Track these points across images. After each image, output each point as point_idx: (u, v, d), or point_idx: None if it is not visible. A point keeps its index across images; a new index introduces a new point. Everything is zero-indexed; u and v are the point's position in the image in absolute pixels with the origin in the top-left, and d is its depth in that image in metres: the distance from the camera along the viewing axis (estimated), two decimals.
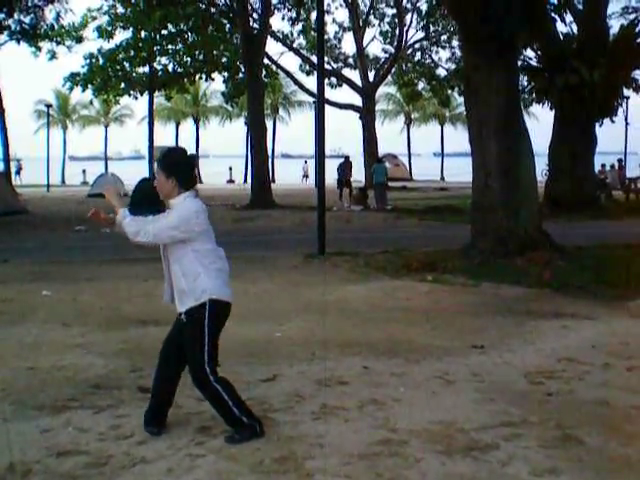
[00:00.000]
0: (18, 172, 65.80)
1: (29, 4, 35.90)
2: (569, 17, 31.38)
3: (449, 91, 56.52)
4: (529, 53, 32.12)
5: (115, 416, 6.51)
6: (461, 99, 62.27)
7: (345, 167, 36.75)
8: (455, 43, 50.87)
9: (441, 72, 54.87)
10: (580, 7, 31.23)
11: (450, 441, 5.94)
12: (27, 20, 36.97)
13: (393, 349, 8.78)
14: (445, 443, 5.89)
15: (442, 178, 76.03)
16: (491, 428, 6.22)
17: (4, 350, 8.93)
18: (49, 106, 64.37)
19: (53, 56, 44.12)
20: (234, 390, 6.01)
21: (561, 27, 46.42)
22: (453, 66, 52.52)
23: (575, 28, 31.27)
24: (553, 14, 28.67)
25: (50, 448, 5.83)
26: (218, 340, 6.02)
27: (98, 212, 6.19)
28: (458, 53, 50.21)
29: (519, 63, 23.54)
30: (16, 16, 34.93)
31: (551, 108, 31.02)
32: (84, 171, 74.13)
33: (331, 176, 29.26)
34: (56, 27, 40.52)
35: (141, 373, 7.49)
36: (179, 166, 5.97)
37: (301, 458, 5.59)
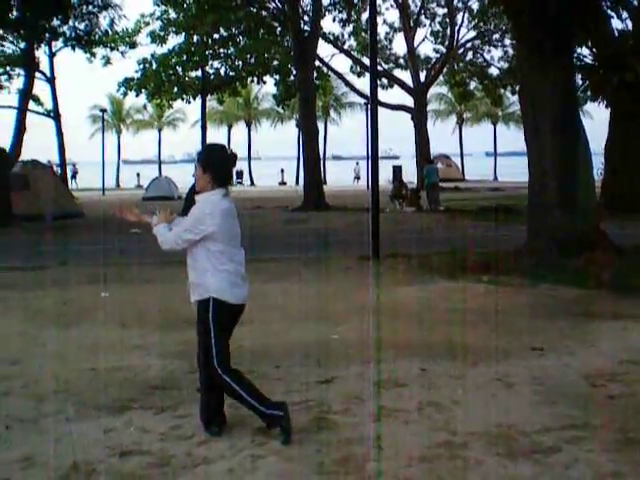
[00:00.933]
0: (74, 176, 66.76)
1: (83, 11, 36.30)
2: (624, 14, 31.02)
3: (501, 90, 56.12)
4: (584, 51, 31.78)
5: (175, 416, 6.58)
6: (513, 98, 61.99)
7: (397, 179, 36.66)
8: (507, 42, 50.54)
9: (493, 71, 54.54)
10: (635, 3, 30.78)
11: (511, 444, 5.89)
12: (82, 27, 37.42)
13: (450, 351, 8.73)
14: (506, 446, 5.84)
15: (495, 178, 75.57)
16: (553, 431, 6.17)
17: (65, 351, 9.06)
18: (104, 111, 65.09)
19: (107, 62, 44.69)
20: (246, 381, 6.09)
21: (616, 24, 45.97)
22: (505, 65, 52.12)
23: (630, 25, 30.84)
24: (608, 11, 28.33)
25: (113, 448, 5.90)
26: (228, 337, 6.12)
27: (122, 208, 6.58)
28: (510, 52, 49.86)
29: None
30: (71, 23, 35.33)
31: (606, 106, 30.66)
32: (138, 175, 74.85)
33: (383, 177, 29.13)
34: (110, 33, 41.00)
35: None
36: (215, 162, 6.11)
37: (361, 460, 5.58)
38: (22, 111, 31.25)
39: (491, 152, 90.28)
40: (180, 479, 5.36)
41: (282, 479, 5.30)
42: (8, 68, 41.54)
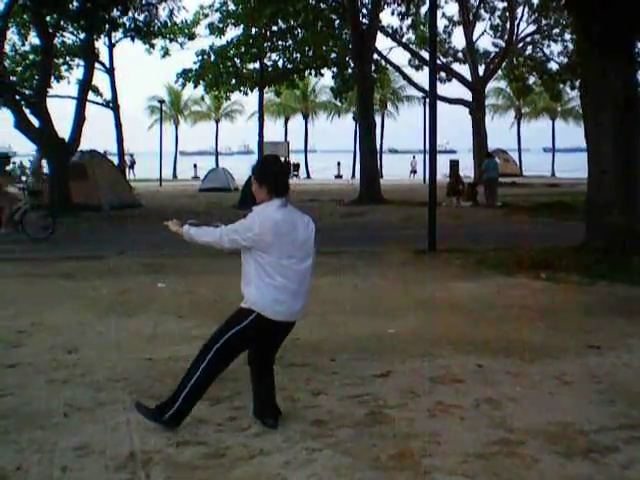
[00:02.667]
0: (131, 166, 67.44)
1: (143, 2, 36.63)
2: None
3: (561, 85, 55.54)
4: None
5: (232, 408, 6.61)
6: (573, 93, 61.38)
7: (453, 174, 36.39)
8: (567, 36, 50.02)
9: (553, 66, 54.02)
10: None
11: (569, 442, 5.83)
12: (141, 18, 37.77)
13: (507, 348, 8.65)
14: (564, 444, 5.78)
15: (553, 174, 74.76)
16: (610, 430, 6.09)
17: (123, 341, 9.15)
18: (162, 102, 65.57)
19: (166, 53, 45.09)
20: (211, 376, 6.10)
21: None
22: (565, 60, 51.62)
23: None
24: None
25: (169, 438, 5.93)
26: (245, 348, 6.25)
27: (169, 224, 6.44)
28: (570, 46, 49.36)
29: None
30: (130, 14, 35.67)
31: None
32: (195, 166, 75.35)
33: (441, 171, 28.98)
34: (169, 24, 41.31)
35: None
36: (270, 175, 6.07)
37: (418, 455, 5.56)
38: (81, 101, 31.56)
39: (549, 148, 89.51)
40: (236, 470, 5.37)
41: (338, 473, 5.29)
42: (68, 59, 42.19)
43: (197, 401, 6.12)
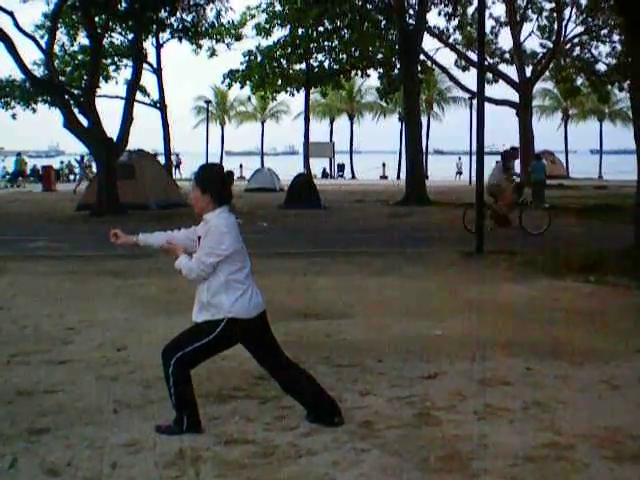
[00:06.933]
0: (178, 166, 67.86)
1: (191, 3, 36.82)
2: None
3: (609, 87, 54.99)
4: None
5: (280, 407, 6.61)
6: (621, 95, 60.65)
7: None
8: (616, 37, 49.50)
9: (601, 67, 53.48)
10: None
11: (619, 447, 5.78)
12: (189, 18, 37.94)
13: (556, 351, 8.59)
14: (613, 449, 5.73)
15: (600, 176, 73.96)
16: None
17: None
18: (208, 102, 65.84)
19: (213, 53, 45.29)
20: (185, 384, 6.08)
21: None
22: (614, 61, 51.07)
23: None
24: None
25: (218, 436, 5.98)
26: (211, 355, 6.31)
27: (116, 235, 6.55)
28: (619, 47, 48.84)
29: None
30: (178, 14, 35.88)
31: None
32: (241, 166, 75.60)
33: (487, 173, 28.74)
34: (216, 25, 41.48)
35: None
36: (214, 182, 6.03)
37: (466, 458, 5.54)
38: (129, 101, 31.80)
39: (596, 150, 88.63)
40: (284, 469, 5.39)
41: (386, 473, 5.29)
42: (116, 59, 42.56)
43: (194, 401, 6.14)
